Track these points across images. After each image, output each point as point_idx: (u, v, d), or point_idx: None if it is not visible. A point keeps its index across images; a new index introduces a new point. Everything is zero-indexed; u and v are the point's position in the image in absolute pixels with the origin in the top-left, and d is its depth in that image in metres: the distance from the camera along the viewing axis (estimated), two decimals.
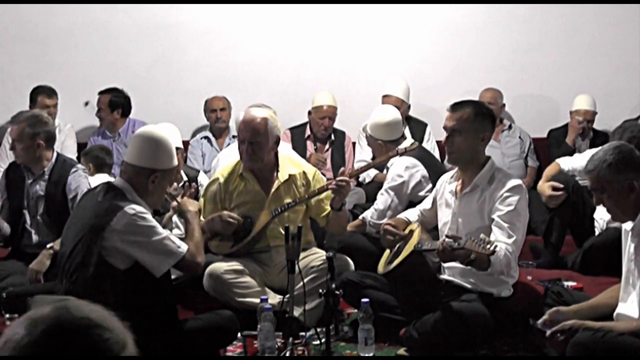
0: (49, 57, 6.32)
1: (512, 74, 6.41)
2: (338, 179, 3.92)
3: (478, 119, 3.64)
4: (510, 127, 6.22)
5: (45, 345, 1.21)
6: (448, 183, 3.81)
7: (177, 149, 4.76)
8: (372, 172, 5.85)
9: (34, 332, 1.22)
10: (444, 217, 3.77)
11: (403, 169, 4.49)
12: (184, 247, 3.29)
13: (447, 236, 3.36)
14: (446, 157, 3.79)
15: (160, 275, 3.21)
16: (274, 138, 4.03)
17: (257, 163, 4.02)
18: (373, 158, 5.91)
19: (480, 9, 6.43)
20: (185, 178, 4.67)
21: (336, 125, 6.11)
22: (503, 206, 3.51)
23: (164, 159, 3.32)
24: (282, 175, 4.06)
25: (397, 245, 3.76)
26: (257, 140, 3.94)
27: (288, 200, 4.01)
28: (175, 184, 4.27)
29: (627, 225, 3.13)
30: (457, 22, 6.47)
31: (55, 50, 6.33)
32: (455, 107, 3.71)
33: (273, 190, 4.04)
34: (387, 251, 3.86)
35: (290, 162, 4.17)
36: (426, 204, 4.01)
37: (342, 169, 4.33)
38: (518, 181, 3.65)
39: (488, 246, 3.14)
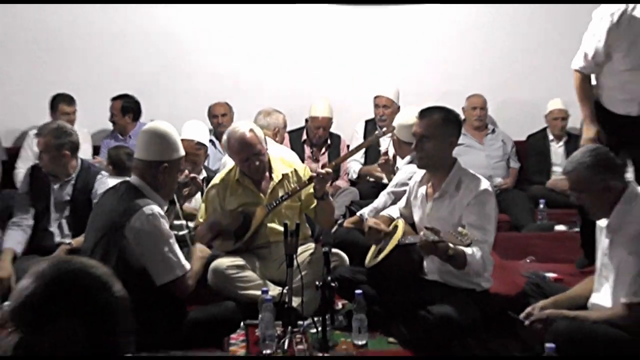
0: (66, 66, 6.32)
1: (495, 81, 6.44)
2: (319, 170, 3.94)
3: (446, 124, 3.60)
4: (493, 131, 6.27)
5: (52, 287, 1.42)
6: (418, 185, 3.80)
7: (202, 144, 4.77)
8: (357, 167, 5.98)
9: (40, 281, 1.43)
10: (418, 216, 3.77)
11: (409, 177, 4.31)
12: (187, 266, 3.29)
13: (425, 227, 3.33)
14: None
15: (160, 284, 3.18)
16: (265, 142, 4.08)
17: (265, 171, 4.05)
18: (364, 157, 6.00)
19: (467, 21, 6.49)
20: (204, 174, 4.72)
21: (333, 129, 6.13)
22: (474, 212, 3.48)
23: (171, 150, 3.33)
24: (277, 176, 4.08)
25: (383, 241, 3.74)
26: (258, 150, 3.97)
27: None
28: (186, 171, 4.25)
29: (602, 223, 3.16)
30: (444, 33, 6.53)
31: (73, 60, 6.34)
32: (424, 113, 3.66)
33: (269, 191, 4.07)
34: (374, 246, 3.84)
35: (282, 162, 4.18)
36: (402, 203, 4.00)
37: (323, 162, 4.30)
38: (485, 184, 3.59)
39: (465, 238, 3.15)
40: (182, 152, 3.41)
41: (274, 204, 4.01)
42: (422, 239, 3.30)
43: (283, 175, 4.10)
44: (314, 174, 3.94)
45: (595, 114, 3.97)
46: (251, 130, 4.00)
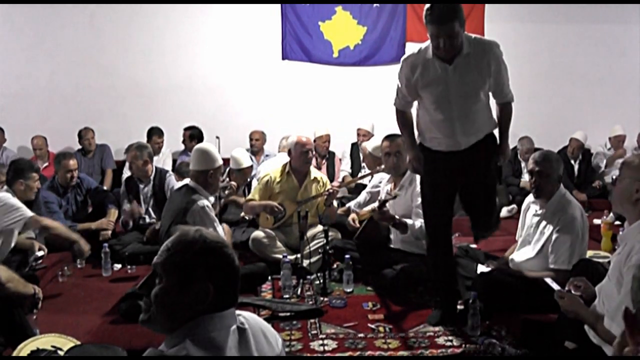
0: (154, 107, 6.31)
1: None
2: (330, 189, 3.99)
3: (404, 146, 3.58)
4: None
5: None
6: (386, 184, 3.83)
7: (248, 168, 4.67)
8: (342, 174, 5.94)
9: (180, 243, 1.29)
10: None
11: (379, 181, 4.25)
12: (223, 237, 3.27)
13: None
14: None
15: None
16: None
17: (310, 164, 4.08)
18: (351, 169, 5.93)
19: None
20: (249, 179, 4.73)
21: (330, 149, 6.08)
22: (417, 199, 3.42)
23: (212, 161, 3.27)
24: (311, 177, 4.09)
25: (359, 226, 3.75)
26: (311, 149, 4.04)
27: (310, 194, 4.04)
28: (227, 178, 4.29)
29: (536, 204, 2.99)
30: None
31: (159, 103, 6.32)
32: (391, 137, 3.68)
33: (304, 185, 4.06)
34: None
35: (314, 171, 4.17)
36: (376, 198, 3.96)
37: (332, 185, 4.35)
38: None
39: (392, 193, 3.28)
40: (220, 161, 3.32)
41: (302, 201, 3.99)
42: (373, 210, 3.37)
43: (314, 177, 4.10)
44: (327, 193, 3.98)
45: (412, 142, 2.97)
46: (308, 138, 4.11)
